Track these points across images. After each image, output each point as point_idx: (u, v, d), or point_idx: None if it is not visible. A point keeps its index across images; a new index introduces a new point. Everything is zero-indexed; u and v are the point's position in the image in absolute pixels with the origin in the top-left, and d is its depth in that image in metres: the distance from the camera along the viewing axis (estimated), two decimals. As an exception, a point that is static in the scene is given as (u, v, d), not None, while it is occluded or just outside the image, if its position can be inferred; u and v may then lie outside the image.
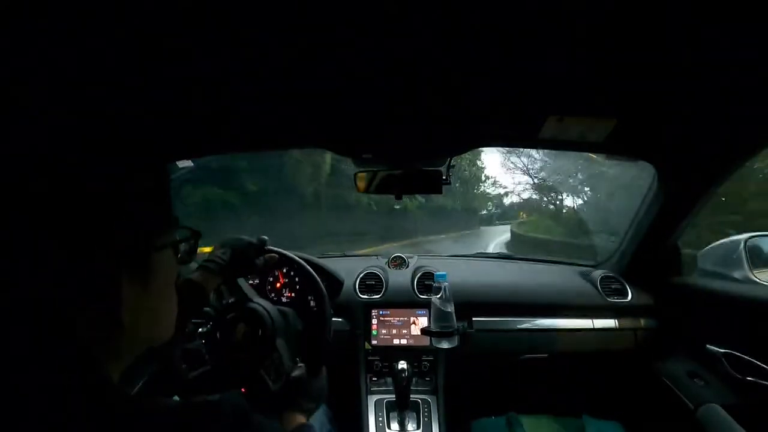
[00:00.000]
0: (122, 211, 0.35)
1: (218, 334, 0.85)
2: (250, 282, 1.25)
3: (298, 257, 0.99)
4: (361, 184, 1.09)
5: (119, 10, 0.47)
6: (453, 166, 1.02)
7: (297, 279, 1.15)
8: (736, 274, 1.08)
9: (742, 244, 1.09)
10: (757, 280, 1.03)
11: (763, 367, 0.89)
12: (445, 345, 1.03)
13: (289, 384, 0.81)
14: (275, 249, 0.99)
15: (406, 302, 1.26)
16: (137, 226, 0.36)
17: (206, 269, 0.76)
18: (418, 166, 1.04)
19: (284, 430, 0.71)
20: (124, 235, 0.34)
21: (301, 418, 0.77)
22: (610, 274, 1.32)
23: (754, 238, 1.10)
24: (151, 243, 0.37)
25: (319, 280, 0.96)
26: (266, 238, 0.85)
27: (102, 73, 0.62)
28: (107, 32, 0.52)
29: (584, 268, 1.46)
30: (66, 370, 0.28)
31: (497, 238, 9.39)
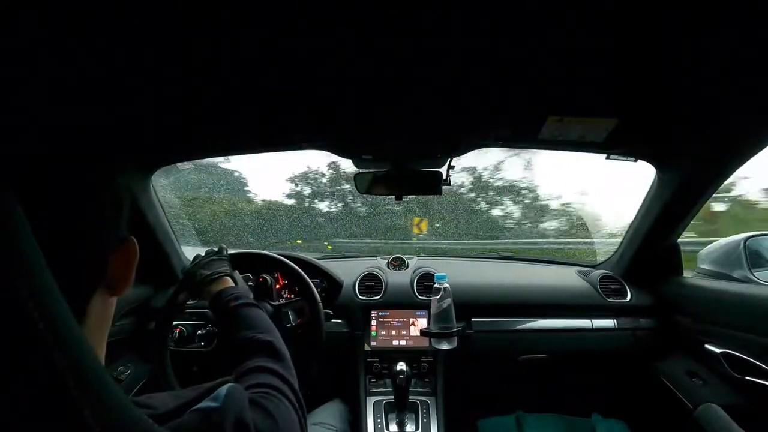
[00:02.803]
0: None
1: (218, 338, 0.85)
2: (250, 284, 1.25)
3: (291, 260, 0.99)
4: (361, 186, 1.08)
5: (119, 8, 0.47)
6: (453, 167, 1.01)
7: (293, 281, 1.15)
8: (735, 274, 1.08)
9: (742, 244, 1.09)
10: (756, 280, 1.03)
11: (762, 367, 0.89)
12: (444, 346, 1.03)
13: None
14: (268, 253, 0.99)
15: (406, 303, 1.26)
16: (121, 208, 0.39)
17: None
18: (418, 167, 1.04)
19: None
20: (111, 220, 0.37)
21: (216, 285, 0.76)
22: (610, 274, 1.32)
23: (753, 238, 1.10)
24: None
25: (310, 283, 0.96)
26: None
27: (102, 74, 0.62)
28: (108, 31, 0.52)
29: (583, 269, 1.46)
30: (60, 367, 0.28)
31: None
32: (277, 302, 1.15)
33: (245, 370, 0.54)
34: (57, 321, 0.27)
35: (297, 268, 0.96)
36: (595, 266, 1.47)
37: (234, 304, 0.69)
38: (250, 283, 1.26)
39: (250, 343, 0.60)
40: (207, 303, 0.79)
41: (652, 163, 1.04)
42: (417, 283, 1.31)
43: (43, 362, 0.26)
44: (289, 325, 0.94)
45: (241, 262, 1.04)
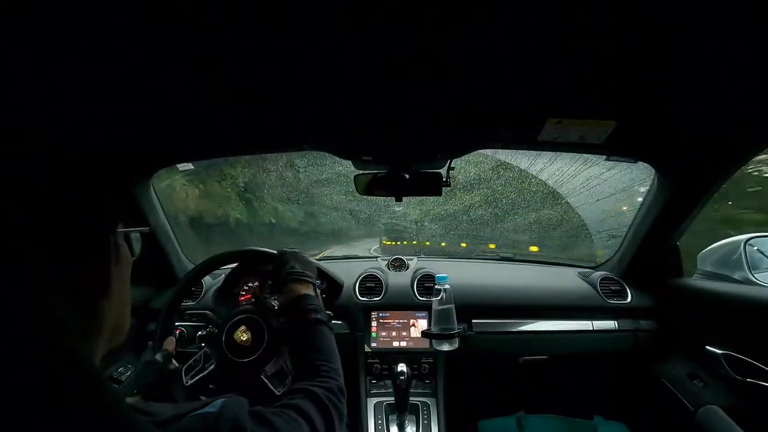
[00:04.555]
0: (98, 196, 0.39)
1: (223, 338, 0.85)
2: (250, 285, 1.25)
3: None
4: (361, 187, 1.08)
5: (119, 11, 0.47)
6: (453, 168, 1.02)
7: None
8: (736, 275, 1.08)
9: (742, 245, 1.09)
10: (757, 281, 1.03)
11: (763, 369, 0.89)
12: (445, 347, 1.03)
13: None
14: (275, 252, 0.99)
15: (406, 304, 1.26)
16: (105, 210, 0.40)
17: None
18: (418, 168, 1.04)
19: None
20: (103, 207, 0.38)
21: (298, 288, 0.76)
22: (610, 276, 1.32)
23: (753, 239, 1.10)
24: (114, 226, 0.40)
25: (271, 252, 0.96)
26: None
27: (102, 74, 0.62)
28: (107, 33, 0.52)
29: (584, 270, 1.46)
30: (57, 371, 0.28)
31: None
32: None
33: (294, 388, 0.55)
34: (53, 327, 0.27)
35: (255, 249, 0.95)
36: (595, 267, 1.47)
37: (314, 317, 0.69)
38: (249, 285, 1.26)
39: (315, 366, 0.60)
40: (256, 293, 0.86)
41: (651, 165, 1.04)
42: (417, 284, 1.31)
43: (40, 368, 0.26)
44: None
45: (246, 259, 1.05)
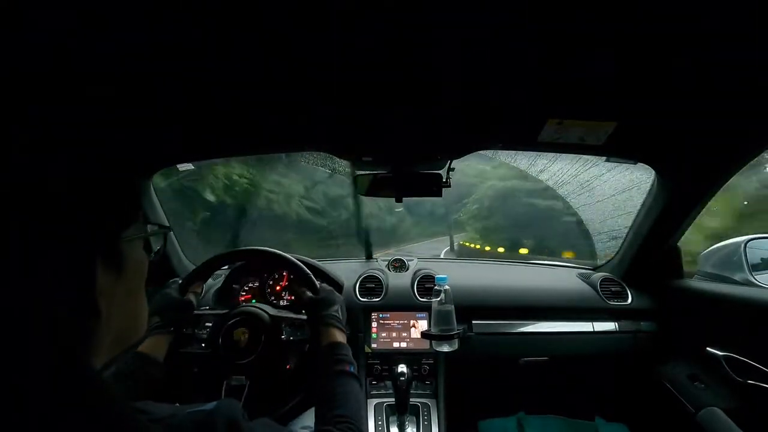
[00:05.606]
0: (89, 201, 0.36)
1: (220, 340, 0.86)
2: (249, 285, 1.25)
3: (297, 260, 0.99)
4: (361, 187, 1.08)
5: (117, 7, 0.47)
6: (453, 168, 1.02)
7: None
8: (736, 277, 1.08)
9: (742, 247, 1.09)
10: (757, 283, 1.03)
11: (763, 370, 0.89)
12: (445, 348, 1.02)
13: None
14: (274, 251, 0.99)
15: (406, 305, 1.26)
16: (104, 215, 0.37)
17: (153, 336, 0.78)
18: (418, 169, 1.04)
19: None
20: (92, 223, 0.35)
21: (337, 334, 0.77)
22: (610, 277, 1.32)
23: (754, 241, 1.10)
24: (119, 232, 0.38)
25: (316, 282, 0.96)
26: (178, 281, 0.88)
27: (106, 74, 0.62)
28: (114, 33, 0.52)
29: (584, 271, 1.46)
30: (52, 371, 0.28)
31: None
32: (278, 303, 1.15)
33: (318, 429, 0.58)
34: (54, 328, 0.27)
35: (306, 269, 0.95)
36: (595, 268, 1.47)
37: (347, 369, 0.70)
38: (249, 285, 1.26)
39: (341, 419, 0.60)
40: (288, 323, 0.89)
41: (651, 166, 1.04)
42: (417, 285, 1.31)
43: (40, 368, 0.26)
44: (292, 326, 0.94)
45: (254, 258, 1.04)
